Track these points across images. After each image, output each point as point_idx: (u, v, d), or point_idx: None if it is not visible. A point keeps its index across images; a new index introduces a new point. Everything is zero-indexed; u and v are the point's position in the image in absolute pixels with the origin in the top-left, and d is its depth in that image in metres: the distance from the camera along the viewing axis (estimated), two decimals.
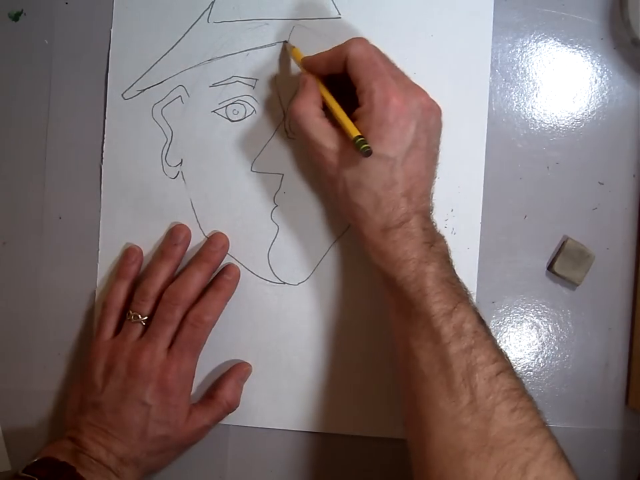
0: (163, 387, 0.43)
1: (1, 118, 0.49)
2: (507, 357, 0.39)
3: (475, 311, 0.40)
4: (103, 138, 0.48)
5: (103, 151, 0.48)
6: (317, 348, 0.48)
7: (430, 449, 0.37)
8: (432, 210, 0.43)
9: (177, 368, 0.44)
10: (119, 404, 0.43)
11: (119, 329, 0.46)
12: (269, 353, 0.48)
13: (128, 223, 0.48)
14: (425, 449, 0.37)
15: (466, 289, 0.41)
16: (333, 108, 0.42)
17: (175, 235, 0.47)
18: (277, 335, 0.48)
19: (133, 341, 0.45)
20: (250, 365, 0.48)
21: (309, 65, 0.44)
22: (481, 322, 0.39)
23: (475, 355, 0.37)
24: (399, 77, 0.42)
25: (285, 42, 0.47)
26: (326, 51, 0.43)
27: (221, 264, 0.48)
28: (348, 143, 0.40)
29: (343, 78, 0.42)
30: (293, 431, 0.48)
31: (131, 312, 0.45)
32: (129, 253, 0.47)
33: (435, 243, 0.40)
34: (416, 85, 0.42)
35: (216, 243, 0.47)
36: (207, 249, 0.47)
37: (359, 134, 0.39)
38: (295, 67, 0.47)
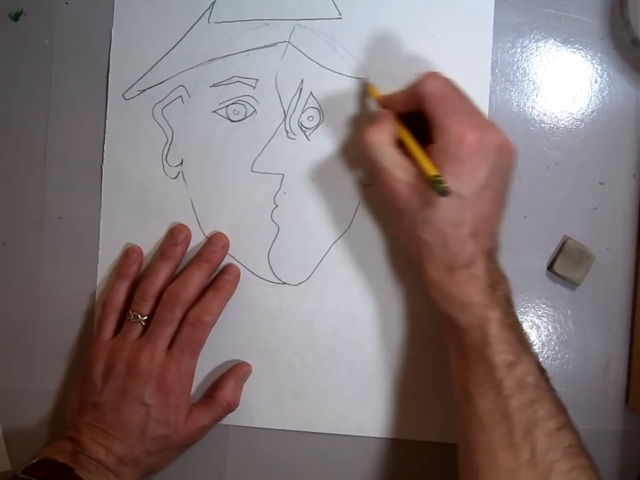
0: (162, 386, 0.43)
1: (1, 118, 0.49)
2: (567, 412, 0.39)
3: (537, 362, 0.39)
4: (104, 138, 0.48)
5: (103, 151, 0.48)
6: (317, 348, 0.48)
7: None
8: (497, 251, 0.42)
9: (177, 368, 0.44)
10: (119, 404, 0.43)
11: (119, 329, 0.46)
12: (269, 352, 0.48)
13: (128, 223, 0.48)
14: None
15: (527, 335, 0.40)
16: (408, 143, 0.41)
17: (175, 235, 0.47)
18: (277, 335, 0.48)
19: (133, 340, 0.45)
20: (250, 365, 0.48)
21: (386, 102, 0.44)
22: (543, 374, 0.39)
23: (536, 409, 0.37)
24: (475, 114, 0.41)
25: (365, 81, 0.47)
26: (402, 89, 0.43)
27: (222, 264, 0.48)
28: (420, 176, 0.40)
29: (418, 115, 0.42)
30: (292, 431, 0.48)
31: (130, 312, 0.45)
32: (129, 253, 0.47)
33: (498, 286, 0.40)
34: (491, 123, 0.41)
35: (216, 243, 0.47)
36: (207, 249, 0.47)
37: (436, 173, 0.38)
38: (295, 67, 0.47)
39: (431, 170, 0.38)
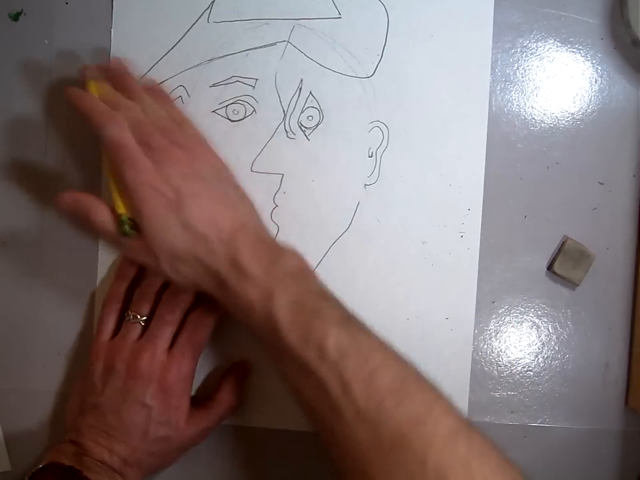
0: (163, 388, 0.43)
1: (1, 118, 0.49)
2: (385, 345, 0.38)
3: (333, 316, 0.38)
4: None
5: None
6: None
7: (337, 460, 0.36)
8: (265, 230, 0.42)
9: (178, 369, 0.44)
10: (120, 405, 0.43)
11: (119, 329, 0.46)
12: None
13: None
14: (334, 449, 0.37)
15: (324, 291, 0.40)
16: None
17: None
18: None
19: (132, 341, 0.45)
20: (249, 364, 0.48)
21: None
22: (345, 322, 0.38)
23: (344, 365, 0.36)
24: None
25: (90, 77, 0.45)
26: None
27: None
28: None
29: None
30: (292, 431, 0.48)
31: (129, 312, 0.45)
32: None
33: (273, 267, 0.39)
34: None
35: None
36: None
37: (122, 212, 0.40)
38: (294, 66, 0.47)
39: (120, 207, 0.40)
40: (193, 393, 0.47)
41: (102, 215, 0.40)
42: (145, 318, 0.45)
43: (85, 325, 0.49)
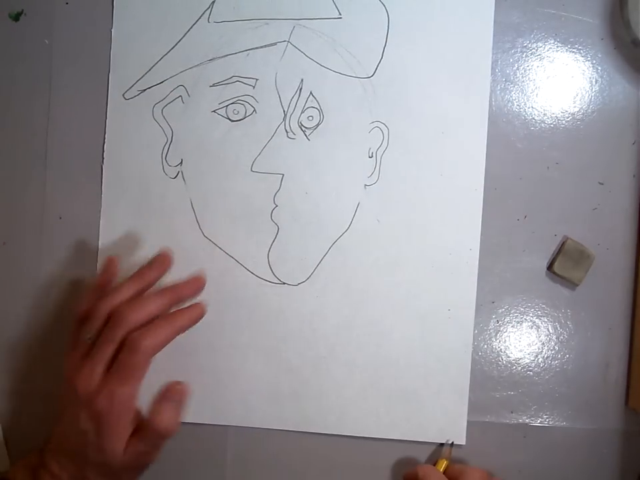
0: (94, 413, 0.40)
1: (1, 118, 0.49)
2: None
3: None
4: (104, 138, 0.48)
5: (103, 151, 0.48)
6: (317, 348, 0.48)
7: None
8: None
9: (110, 394, 0.40)
10: (67, 427, 0.42)
11: None
12: (268, 353, 0.48)
13: (128, 223, 0.48)
14: None
15: None
16: None
17: (154, 259, 0.45)
18: (277, 335, 0.48)
19: (80, 357, 0.42)
20: (185, 385, 0.43)
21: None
22: None
23: None
24: None
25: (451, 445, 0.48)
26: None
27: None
28: None
29: None
30: (292, 431, 0.48)
31: (85, 328, 0.43)
32: (106, 263, 0.45)
33: None
34: None
35: (192, 281, 0.45)
36: (179, 282, 0.45)
37: None
38: (295, 66, 0.47)
39: None
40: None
41: None
42: (93, 335, 0.42)
43: None
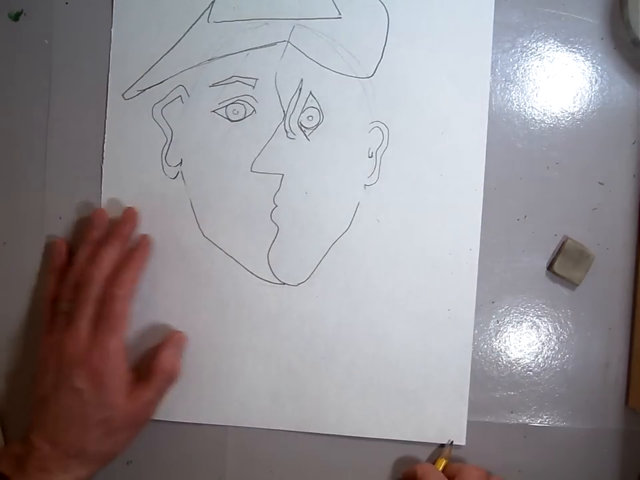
0: (91, 369, 0.43)
1: (1, 118, 0.49)
2: None
3: None
4: (104, 138, 0.48)
5: (103, 151, 0.48)
6: (317, 348, 0.48)
7: None
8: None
9: (102, 347, 0.43)
10: (57, 394, 0.43)
11: None
12: (268, 353, 0.48)
13: None
14: None
15: None
16: None
17: (92, 219, 0.47)
18: (277, 335, 0.48)
19: (61, 330, 0.45)
20: (184, 333, 0.48)
21: None
22: None
23: None
24: None
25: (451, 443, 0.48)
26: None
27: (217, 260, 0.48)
28: None
29: None
30: (292, 431, 0.48)
31: (58, 303, 0.46)
32: (53, 246, 0.48)
33: None
34: None
35: (124, 217, 0.47)
36: (115, 225, 0.47)
37: None
38: (295, 66, 0.47)
39: None
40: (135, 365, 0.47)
41: None
42: (69, 305, 0.45)
43: None
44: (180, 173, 0.48)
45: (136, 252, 0.47)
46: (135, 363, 0.48)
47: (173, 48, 0.48)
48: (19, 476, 0.41)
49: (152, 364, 0.45)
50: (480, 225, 0.48)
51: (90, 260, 0.46)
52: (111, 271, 0.45)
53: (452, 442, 0.48)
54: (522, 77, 0.49)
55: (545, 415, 0.49)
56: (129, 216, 0.47)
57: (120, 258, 0.46)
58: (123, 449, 0.45)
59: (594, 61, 0.49)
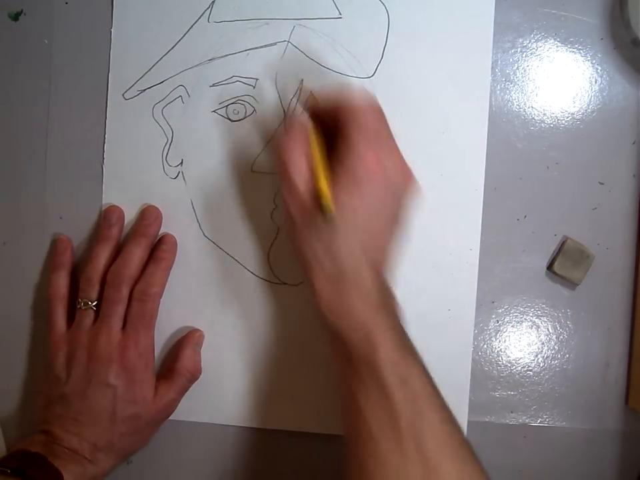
0: (124, 366, 0.44)
1: (1, 118, 0.49)
2: (452, 415, 0.39)
3: (425, 371, 0.39)
4: (104, 138, 0.48)
5: (103, 151, 0.48)
6: (317, 348, 0.48)
7: None
8: (387, 267, 0.42)
9: (135, 345, 0.44)
10: (85, 390, 0.44)
11: (70, 319, 0.46)
12: (268, 353, 0.48)
13: (128, 223, 0.48)
14: None
15: (412, 342, 0.40)
16: (314, 158, 0.41)
17: (108, 216, 0.47)
18: (277, 335, 0.48)
19: (88, 327, 0.45)
20: (201, 331, 0.48)
21: (312, 106, 0.44)
22: (430, 381, 0.39)
23: (421, 404, 0.37)
24: (385, 137, 0.42)
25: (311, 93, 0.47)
26: (331, 96, 0.42)
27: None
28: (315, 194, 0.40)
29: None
30: (292, 431, 0.48)
31: (80, 300, 0.46)
32: (57, 243, 0.48)
33: (385, 298, 0.40)
34: (398, 152, 0.42)
35: (149, 216, 0.47)
36: (140, 224, 0.47)
37: (328, 199, 0.39)
38: (295, 66, 0.47)
39: (324, 196, 0.39)
40: (155, 366, 0.47)
41: (301, 182, 0.40)
42: (95, 302, 0.45)
43: None
44: (181, 173, 0.48)
45: (165, 252, 0.47)
46: None
47: (173, 48, 0.48)
48: (53, 458, 0.41)
49: (175, 364, 0.47)
50: (480, 225, 0.48)
51: (111, 258, 0.46)
52: (138, 271, 0.46)
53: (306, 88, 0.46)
54: (522, 77, 0.49)
55: (545, 415, 0.49)
56: (156, 216, 0.48)
57: (146, 257, 0.47)
58: (144, 445, 0.46)
59: (594, 61, 0.49)
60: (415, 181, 0.42)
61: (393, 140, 0.42)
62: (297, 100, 0.48)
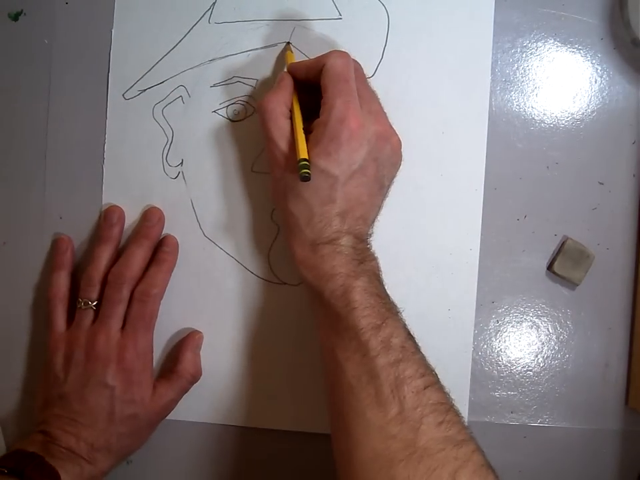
0: (122, 366, 0.44)
1: (1, 118, 0.49)
2: (435, 373, 0.39)
3: (404, 326, 0.40)
4: (104, 138, 0.48)
5: (104, 151, 0.48)
6: (317, 348, 0.48)
7: (358, 459, 0.36)
8: (369, 236, 0.43)
9: (134, 345, 0.44)
10: (83, 390, 0.44)
11: (70, 319, 0.46)
12: (268, 353, 0.48)
13: (128, 223, 0.48)
14: (352, 460, 0.37)
15: (395, 304, 0.41)
16: (294, 118, 0.42)
17: (109, 216, 0.47)
18: (277, 335, 0.48)
19: (87, 327, 0.45)
20: (201, 333, 0.48)
21: (292, 68, 0.45)
22: (410, 337, 0.39)
23: (403, 368, 0.37)
24: (367, 100, 0.42)
25: (288, 43, 0.47)
26: (309, 59, 0.43)
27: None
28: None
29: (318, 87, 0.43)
30: (292, 431, 0.48)
31: (80, 299, 0.46)
32: (58, 243, 0.48)
33: (364, 261, 0.40)
34: (382, 112, 0.42)
35: (151, 218, 0.47)
36: (143, 225, 0.47)
37: (304, 157, 0.39)
38: None
39: (301, 152, 0.39)
40: (154, 366, 0.47)
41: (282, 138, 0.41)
42: (95, 302, 0.45)
43: None
44: (181, 173, 0.48)
45: (167, 253, 0.47)
46: None
47: (174, 48, 0.48)
48: (50, 458, 0.41)
49: (176, 366, 0.47)
50: (480, 225, 0.48)
51: (112, 258, 0.46)
52: (140, 272, 0.46)
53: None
54: (522, 77, 0.49)
55: (545, 415, 0.49)
56: (158, 217, 0.48)
57: (147, 258, 0.47)
58: (141, 445, 0.46)
59: (594, 61, 0.49)
60: (400, 145, 0.43)
61: (376, 102, 0.43)
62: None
